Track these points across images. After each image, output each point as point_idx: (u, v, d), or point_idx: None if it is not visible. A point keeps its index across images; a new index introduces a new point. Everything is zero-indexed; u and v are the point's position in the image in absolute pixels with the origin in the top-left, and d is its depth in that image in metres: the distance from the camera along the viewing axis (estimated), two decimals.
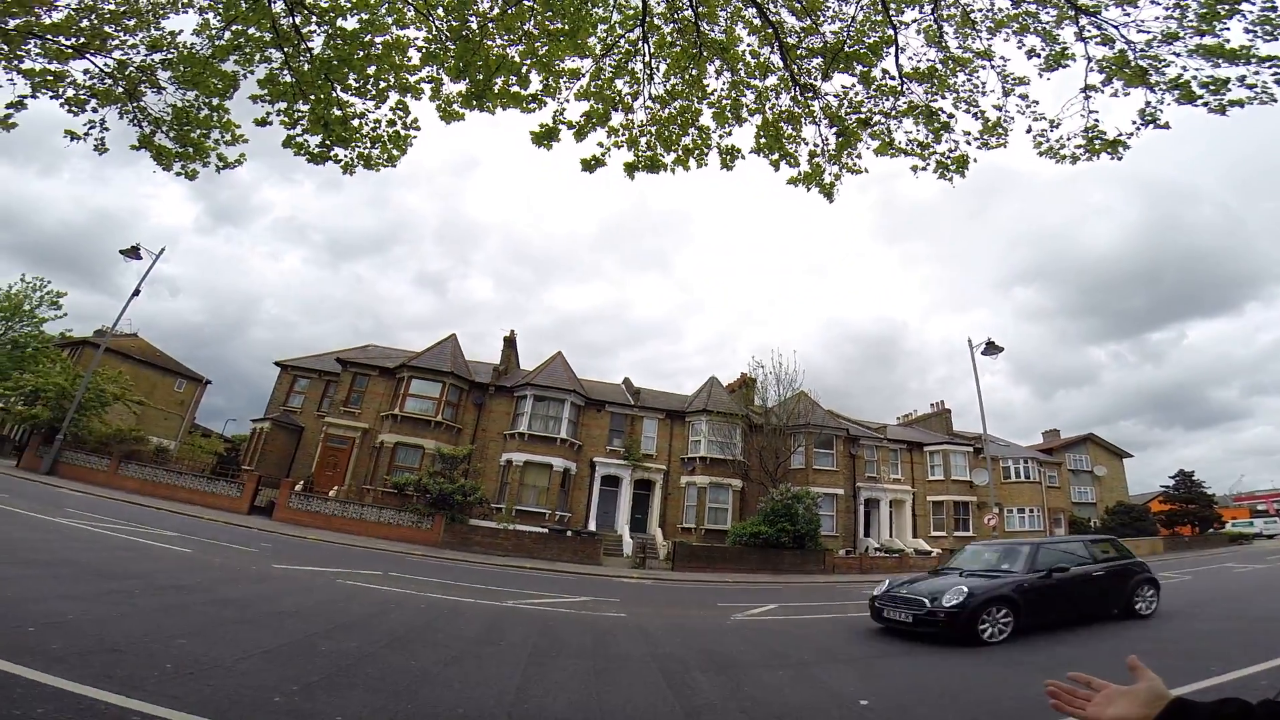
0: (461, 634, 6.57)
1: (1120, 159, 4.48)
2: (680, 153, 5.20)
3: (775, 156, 5.15)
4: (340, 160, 5.10)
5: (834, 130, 4.97)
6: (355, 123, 5.00)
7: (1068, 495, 37.89)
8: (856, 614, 10.33)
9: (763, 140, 5.08)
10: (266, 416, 28.46)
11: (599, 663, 5.82)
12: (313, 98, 4.81)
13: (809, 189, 5.03)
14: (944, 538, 29.99)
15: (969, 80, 4.33)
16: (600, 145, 5.06)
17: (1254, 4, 3.16)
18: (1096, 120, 4.09)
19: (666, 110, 5.03)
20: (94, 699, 3.30)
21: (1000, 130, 4.39)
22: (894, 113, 4.60)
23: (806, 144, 4.97)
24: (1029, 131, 4.28)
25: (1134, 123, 3.73)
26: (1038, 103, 4.22)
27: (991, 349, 23.66)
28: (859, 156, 4.88)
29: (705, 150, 5.20)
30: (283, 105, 4.82)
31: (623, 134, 5.14)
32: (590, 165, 5.09)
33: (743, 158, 5.12)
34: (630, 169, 5.18)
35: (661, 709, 4.44)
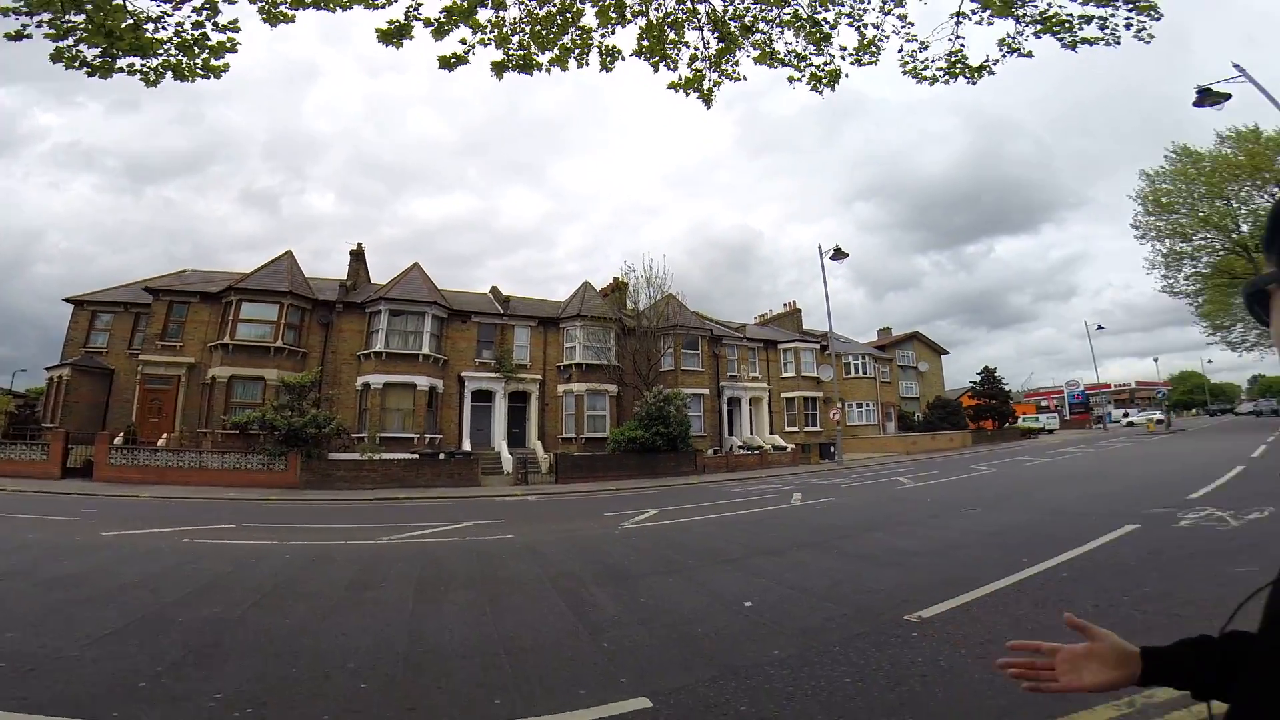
0: (336, 581, 6.17)
1: (975, 83, 4.67)
2: (558, 52, 4.66)
3: (656, 59, 4.83)
4: (139, 71, 3.96)
5: (716, 35, 4.71)
6: (149, 28, 3.84)
7: (897, 390, 43.17)
8: (729, 513, 11.17)
9: (645, 44, 4.71)
10: (64, 362, 24.08)
11: (493, 590, 5.75)
12: (89, 5, 3.61)
13: (688, 94, 4.82)
14: (796, 433, 33.15)
15: None
16: (464, 43, 4.37)
17: None
18: (962, 45, 4.18)
19: (545, 9, 4.43)
20: None
21: (874, 49, 4.38)
22: (779, 20, 4.40)
23: (689, 48, 4.68)
24: (900, 51, 4.31)
25: (1000, 50, 3.87)
26: (913, 24, 4.22)
27: (838, 254, 25.63)
28: (738, 64, 4.71)
29: (586, 50, 4.71)
30: (46, 16, 3.58)
31: (491, 31, 4.47)
32: (450, 63, 4.41)
33: (623, 59, 4.73)
34: (499, 69, 4.58)
35: (565, 629, 4.47)
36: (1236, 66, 13.89)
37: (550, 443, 26.02)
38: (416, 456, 21.22)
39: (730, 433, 30.92)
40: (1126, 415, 56.62)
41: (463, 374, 25.78)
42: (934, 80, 4.48)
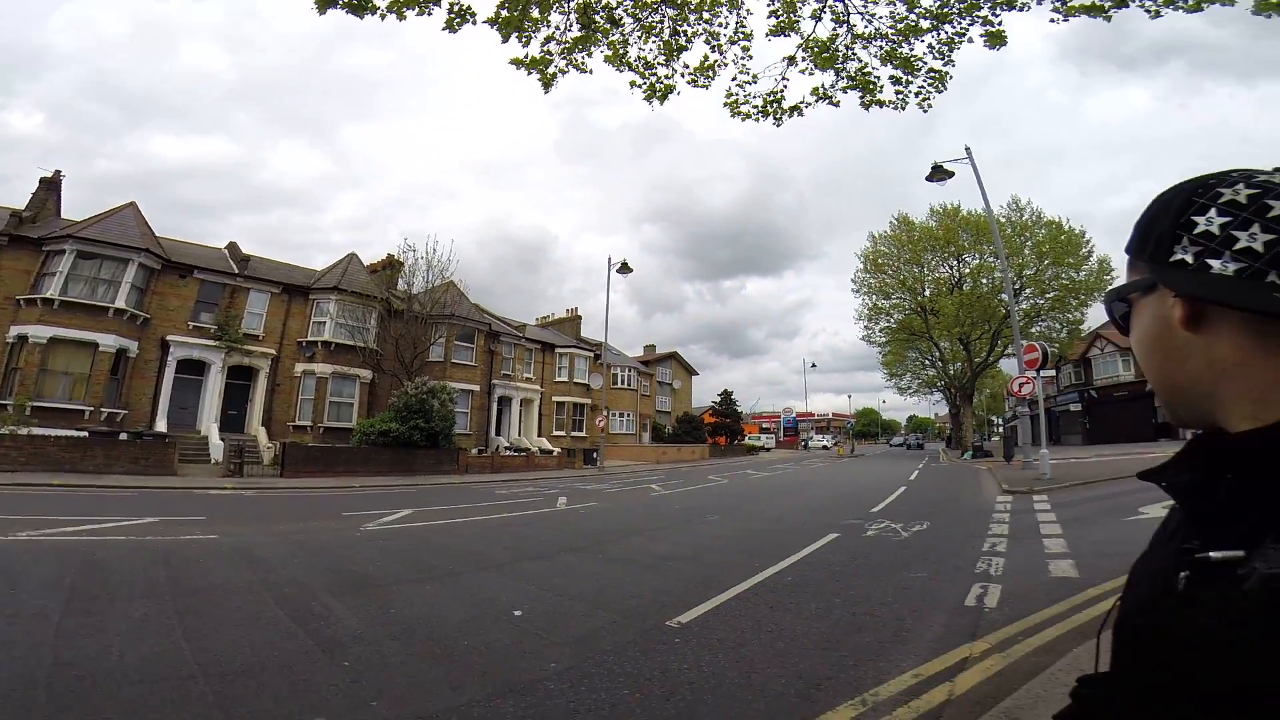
0: None
1: (780, 124, 5.15)
2: None
3: (510, 30, 4.47)
4: None
5: (580, 24, 4.49)
6: None
7: (654, 404, 46.65)
8: (494, 516, 10.70)
9: (505, 13, 4.29)
10: None
11: (185, 601, 4.64)
12: None
13: (530, 73, 4.54)
14: (563, 437, 33.68)
15: (713, 16, 4.33)
16: None
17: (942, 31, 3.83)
18: (785, 86, 4.56)
19: None
20: None
21: (711, 73, 4.57)
22: (646, 24, 4.35)
23: (549, 27, 4.38)
24: (734, 79, 4.54)
25: (814, 98, 4.30)
26: (751, 58, 4.48)
27: (624, 269, 26.91)
28: (590, 56, 4.53)
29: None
30: None
31: None
32: None
33: (473, 23, 4.21)
34: (324, 4, 3.76)
35: (293, 649, 3.74)
36: (966, 149, 17.83)
37: (279, 430, 22.52)
38: (86, 435, 16.71)
39: (498, 433, 30.17)
40: (823, 443, 69.08)
41: (168, 337, 21.05)
42: (747, 116, 4.80)
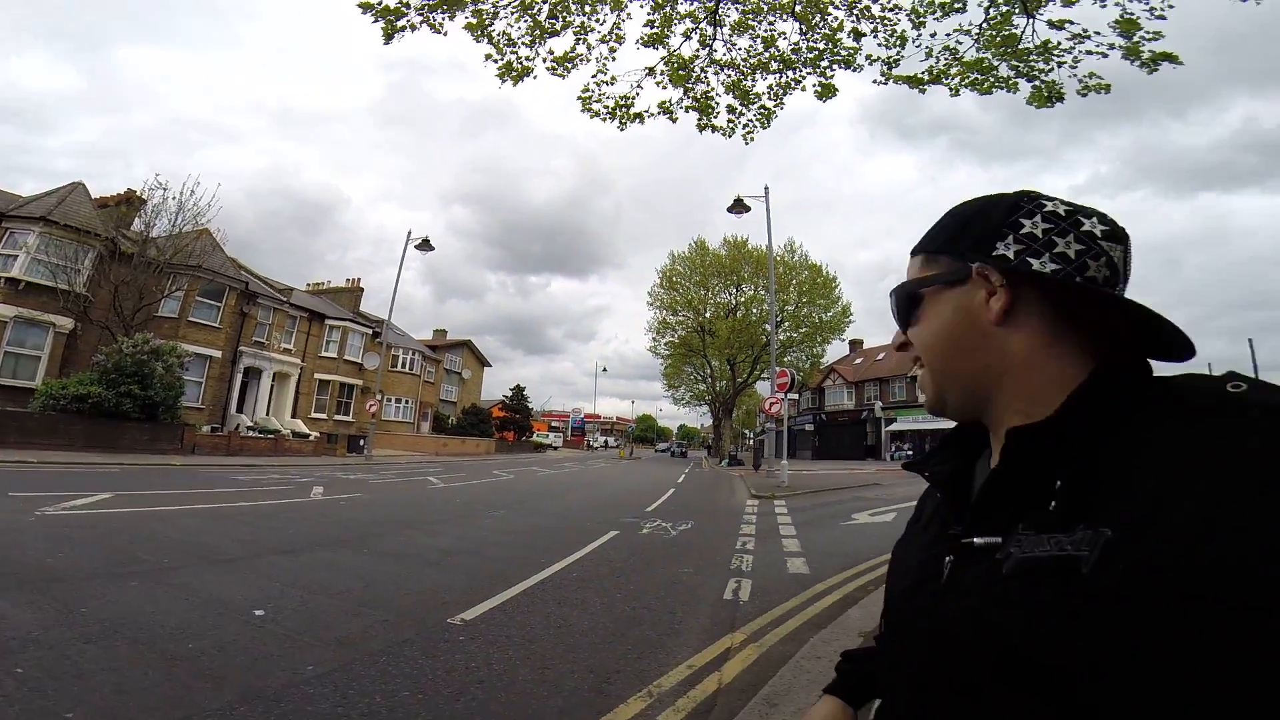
0: None
1: (623, 129, 5.29)
2: None
3: None
4: None
5: None
6: None
7: (439, 392, 44.21)
8: (228, 504, 9.18)
9: None
10: None
11: None
12: None
13: (376, 20, 3.96)
14: (324, 420, 30.18)
15: (593, 11, 4.24)
16: None
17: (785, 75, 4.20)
18: (637, 94, 4.68)
19: None
20: None
21: (571, 64, 4.48)
22: (521, 3, 4.10)
23: None
24: (594, 76, 4.53)
25: (658, 111, 4.48)
26: (614, 60, 4.51)
27: (426, 246, 25.11)
28: (451, 19, 4.14)
29: None
30: None
31: None
32: None
33: None
34: None
35: None
36: (765, 189, 19.92)
37: None
38: None
39: (240, 409, 25.87)
40: (606, 443, 72.11)
41: None
42: (596, 114, 4.82)
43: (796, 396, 50.22)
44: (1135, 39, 4.46)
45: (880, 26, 4.42)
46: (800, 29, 4.39)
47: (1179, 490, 0.44)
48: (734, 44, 4.64)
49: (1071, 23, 4.64)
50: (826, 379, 49.81)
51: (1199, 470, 0.44)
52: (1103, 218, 0.60)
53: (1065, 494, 0.52)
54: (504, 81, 4.47)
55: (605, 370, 70.36)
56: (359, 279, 38.80)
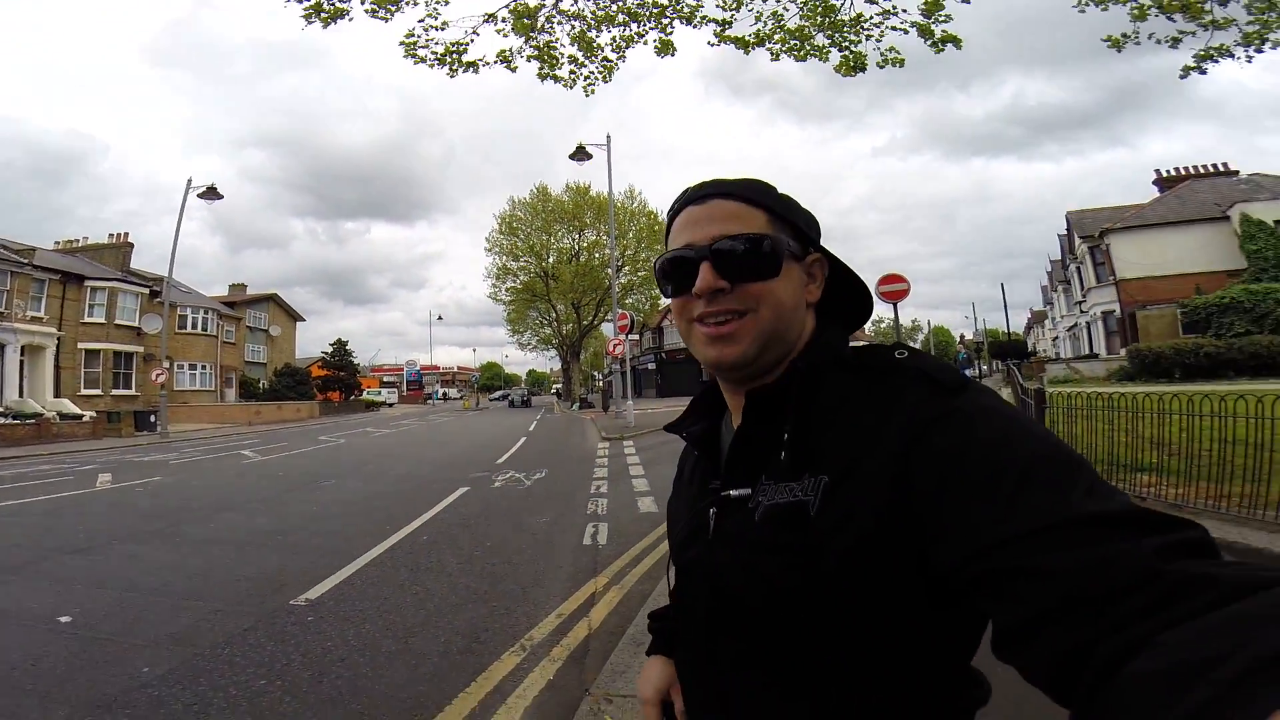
0: None
1: (454, 76, 4.92)
2: None
3: None
4: None
5: None
6: None
7: (242, 353, 38.98)
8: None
9: None
10: None
11: None
12: None
13: None
14: (100, 397, 25.49)
15: None
16: None
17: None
18: (472, 40, 4.32)
19: None
20: None
21: (398, 6, 3.99)
22: None
23: None
24: (421, 21, 4.08)
25: (495, 60, 4.19)
26: (448, 4, 4.08)
27: (212, 194, 21.49)
28: None
29: None
30: None
31: None
32: None
33: None
34: None
35: None
36: (607, 137, 19.67)
37: None
38: None
39: None
40: (446, 395, 69.17)
41: None
42: (421, 60, 4.41)
43: (638, 337, 51.96)
44: (932, 19, 5.00)
45: None
46: None
47: (869, 438, 0.57)
48: None
49: None
50: (665, 319, 51.94)
51: (877, 418, 0.58)
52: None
53: (790, 446, 0.62)
54: (311, 22, 3.88)
55: (441, 319, 66.77)
56: (126, 233, 32.30)
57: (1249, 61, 4.60)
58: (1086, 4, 4.87)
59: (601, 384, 42.00)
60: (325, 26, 4.66)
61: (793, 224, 0.70)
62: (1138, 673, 0.36)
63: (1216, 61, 4.80)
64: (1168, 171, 28.14)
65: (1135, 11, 4.68)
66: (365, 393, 50.45)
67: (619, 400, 20.58)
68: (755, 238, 0.67)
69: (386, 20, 4.57)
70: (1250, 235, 21.96)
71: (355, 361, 47.22)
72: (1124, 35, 4.90)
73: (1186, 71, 4.95)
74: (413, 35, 4.26)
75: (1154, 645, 0.36)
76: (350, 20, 4.63)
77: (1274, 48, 4.38)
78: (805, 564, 0.57)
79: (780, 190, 0.73)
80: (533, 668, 2.95)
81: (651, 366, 52.58)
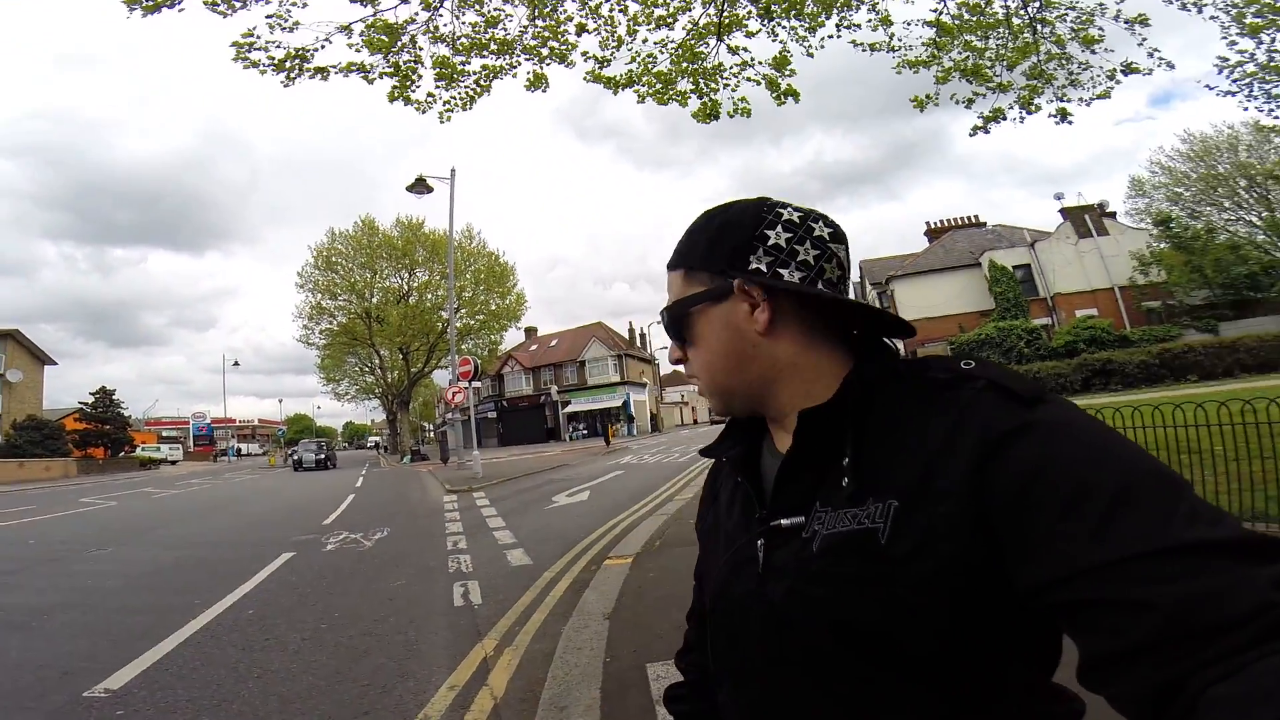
0: None
1: (290, 84, 4.44)
2: None
3: None
4: None
5: None
6: None
7: None
8: None
9: None
10: None
11: None
12: None
13: None
14: None
15: None
16: None
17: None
18: (324, 46, 3.94)
19: None
20: None
21: (239, 3, 3.51)
22: None
23: None
24: (269, 17, 3.63)
25: (339, 71, 3.87)
26: (305, 6, 3.66)
27: None
28: None
29: None
30: None
31: None
32: None
33: None
34: None
35: None
36: (452, 170, 18.88)
37: None
38: None
39: None
40: (241, 451, 60.18)
41: None
42: (255, 64, 3.92)
43: (479, 384, 50.04)
44: (781, 72, 5.55)
45: (604, 27, 4.61)
46: (530, 14, 4.28)
47: (939, 455, 0.53)
48: (460, 18, 4.27)
49: (746, 49, 5.53)
50: (505, 365, 50.70)
51: (947, 433, 0.53)
52: (826, 220, 0.67)
53: (853, 470, 0.57)
54: (132, 10, 3.26)
55: (237, 364, 58.44)
56: None
57: (1021, 122, 5.64)
58: (902, 67, 5.72)
59: (434, 435, 39.40)
60: (146, 16, 3.99)
61: (707, 262, 0.68)
62: (1217, 695, 0.36)
63: (998, 122, 5.81)
64: (935, 223, 33.53)
65: (940, 75, 5.60)
66: (141, 449, 42.21)
67: (460, 449, 19.42)
68: (667, 310, 0.71)
69: (225, 16, 4.03)
70: (995, 279, 26.99)
71: (125, 413, 39.50)
72: (927, 96, 5.76)
73: (975, 130, 5.83)
74: (251, 34, 3.76)
75: (1243, 672, 0.36)
76: (181, 10, 4.02)
77: (1035, 111, 5.49)
78: (884, 596, 0.53)
79: (719, 207, 0.71)
80: None
81: (492, 415, 50.68)
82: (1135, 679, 0.41)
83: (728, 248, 0.66)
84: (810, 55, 5.30)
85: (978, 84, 5.38)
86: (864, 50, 5.47)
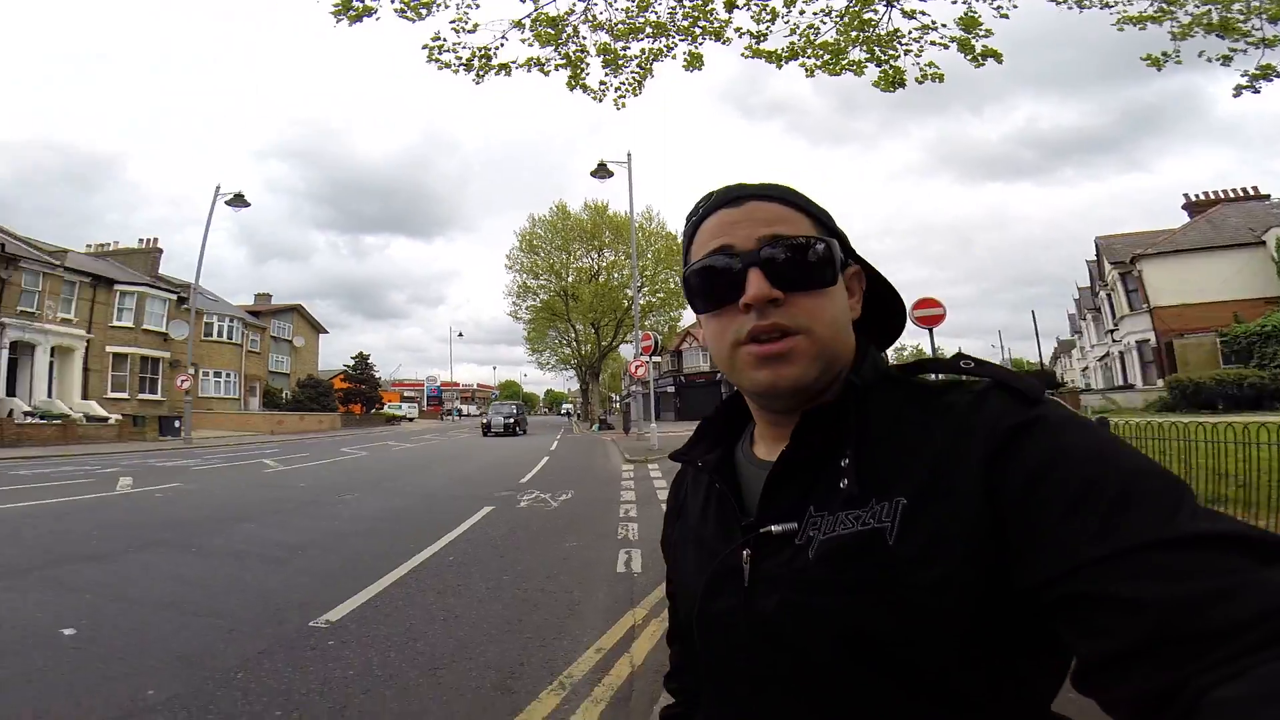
0: None
1: (480, 81, 4.82)
2: None
3: None
4: None
5: None
6: None
7: (267, 363, 39.49)
8: (12, 504, 7.59)
9: None
10: None
11: None
12: None
13: None
14: (126, 400, 25.78)
15: None
16: None
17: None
18: (502, 45, 4.23)
19: None
20: None
21: (429, 8, 3.92)
22: None
23: None
24: (451, 22, 4.00)
25: (530, 67, 4.11)
26: (478, 7, 4.00)
27: (239, 202, 21.90)
28: None
29: None
30: None
31: None
32: None
33: None
34: None
35: None
36: (628, 155, 19.81)
37: None
38: None
39: (12, 392, 21.21)
40: (463, 412, 69.42)
41: None
42: (446, 65, 4.34)
43: (659, 359, 51.84)
44: (972, 34, 4.84)
45: (754, 2, 4.37)
46: None
47: (947, 451, 0.51)
48: (614, 4, 4.34)
49: (924, 13, 4.93)
50: (684, 342, 51.75)
51: (953, 430, 0.52)
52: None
53: (854, 470, 0.54)
54: (339, 20, 3.80)
55: (461, 335, 67.37)
56: (155, 239, 32.94)
57: None
58: (1125, 24, 4.66)
59: (620, 406, 41.73)
60: (352, 24, 4.57)
61: (834, 232, 0.64)
62: (1223, 697, 0.34)
63: (1269, 79, 4.62)
64: (1197, 196, 27.28)
65: (1177, 31, 4.48)
66: (386, 406, 50.87)
67: (641, 422, 20.31)
68: (808, 242, 0.60)
69: (414, 21, 4.48)
70: None
71: (377, 375, 47.70)
72: (1164, 54, 4.69)
73: (1239, 90, 4.78)
74: (438, 38, 4.18)
75: (1246, 674, 0.34)
76: (377, 19, 4.54)
77: None
78: (895, 601, 0.49)
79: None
80: (574, 710, 2.67)
81: (671, 389, 52.25)
82: (1137, 680, 0.39)
83: (837, 230, 0.66)
84: (1004, 16, 4.53)
85: (1230, 38, 4.21)
86: (1070, 7, 4.54)
